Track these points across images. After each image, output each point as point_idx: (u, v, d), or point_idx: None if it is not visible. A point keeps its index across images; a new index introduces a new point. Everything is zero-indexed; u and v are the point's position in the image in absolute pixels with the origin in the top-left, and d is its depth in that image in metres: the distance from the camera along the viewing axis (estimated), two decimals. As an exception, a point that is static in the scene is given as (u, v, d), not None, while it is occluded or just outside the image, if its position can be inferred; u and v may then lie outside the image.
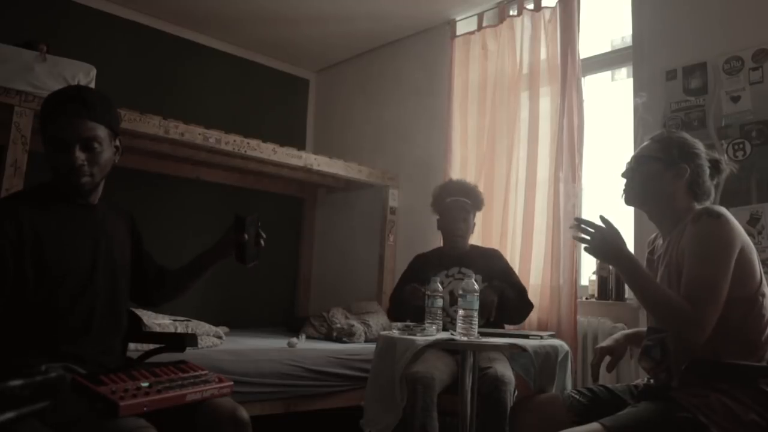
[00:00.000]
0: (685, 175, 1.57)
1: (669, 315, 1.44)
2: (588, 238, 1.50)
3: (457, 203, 2.60)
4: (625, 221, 2.63)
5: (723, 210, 1.48)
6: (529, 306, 2.55)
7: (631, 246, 2.62)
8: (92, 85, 2.63)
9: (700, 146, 1.62)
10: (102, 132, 1.51)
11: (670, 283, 1.52)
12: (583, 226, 1.51)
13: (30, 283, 1.43)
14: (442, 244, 2.74)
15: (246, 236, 1.66)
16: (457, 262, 2.59)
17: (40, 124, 1.53)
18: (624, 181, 1.67)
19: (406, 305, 2.45)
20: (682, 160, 1.57)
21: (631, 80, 2.84)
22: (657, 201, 1.61)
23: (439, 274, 2.50)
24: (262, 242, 1.72)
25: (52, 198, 1.54)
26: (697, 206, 1.59)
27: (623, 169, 1.67)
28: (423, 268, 2.57)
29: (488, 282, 2.50)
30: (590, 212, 2.99)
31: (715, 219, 1.45)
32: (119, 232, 1.68)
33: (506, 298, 2.41)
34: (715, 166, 1.63)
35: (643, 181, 1.61)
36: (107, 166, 1.56)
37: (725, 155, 2.44)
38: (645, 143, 1.67)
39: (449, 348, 2.23)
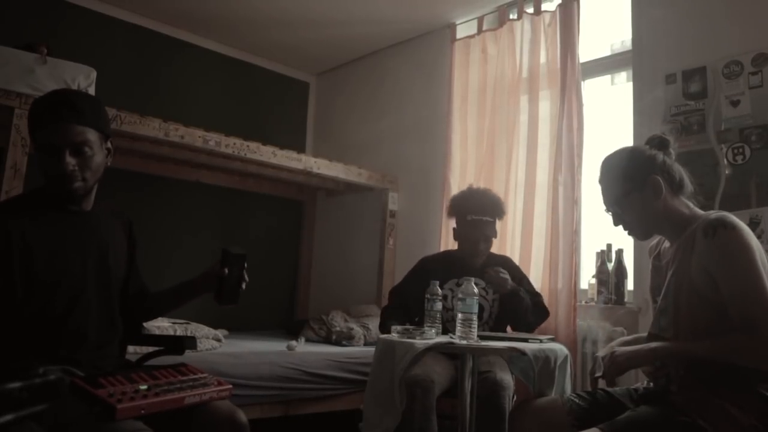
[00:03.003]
0: (661, 185, 1.54)
1: (738, 356, 1.37)
2: (606, 370, 1.50)
3: (480, 224, 2.43)
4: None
5: (733, 218, 1.45)
6: (545, 311, 2.52)
7: (630, 250, 2.69)
8: (92, 88, 2.63)
9: (643, 148, 1.62)
10: (92, 135, 1.48)
11: (677, 292, 1.51)
12: (600, 373, 1.55)
13: (21, 292, 1.41)
14: (456, 247, 2.60)
15: (226, 271, 1.58)
16: (470, 273, 2.48)
17: (29, 130, 1.50)
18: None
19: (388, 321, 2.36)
20: (647, 172, 1.56)
21: (630, 84, 2.85)
22: (659, 223, 1.59)
23: (449, 283, 2.46)
24: (244, 285, 1.64)
25: (44, 205, 1.51)
26: (692, 205, 1.58)
27: (610, 218, 1.65)
28: (431, 273, 2.38)
29: (499, 294, 2.46)
30: (590, 214, 2.99)
31: (731, 230, 1.41)
32: (115, 237, 1.66)
33: (521, 298, 2.37)
34: (663, 146, 1.61)
35: (636, 218, 1.60)
36: (99, 170, 1.53)
37: (725, 159, 2.45)
38: (603, 183, 1.65)
39: (448, 351, 2.23)
